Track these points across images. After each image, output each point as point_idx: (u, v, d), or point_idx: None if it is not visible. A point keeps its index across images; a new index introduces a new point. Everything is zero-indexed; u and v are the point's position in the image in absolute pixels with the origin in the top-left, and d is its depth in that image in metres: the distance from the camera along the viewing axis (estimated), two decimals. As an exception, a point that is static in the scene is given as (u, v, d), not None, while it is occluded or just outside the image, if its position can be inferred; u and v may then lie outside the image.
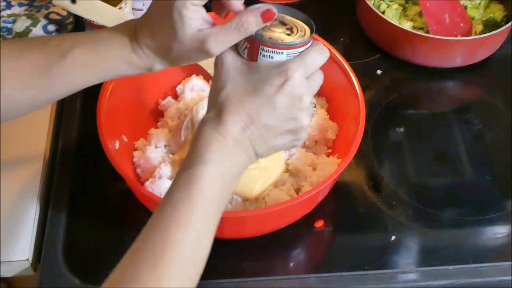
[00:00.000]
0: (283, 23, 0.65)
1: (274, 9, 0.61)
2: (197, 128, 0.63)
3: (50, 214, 0.86)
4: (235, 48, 0.63)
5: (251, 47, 0.62)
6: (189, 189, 0.58)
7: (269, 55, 0.62)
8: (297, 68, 0.61)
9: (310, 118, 0.65)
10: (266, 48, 0.61)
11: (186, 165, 0.60)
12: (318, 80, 0.65)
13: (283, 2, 1.17)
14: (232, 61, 0.62)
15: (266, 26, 0.62)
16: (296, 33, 0.64)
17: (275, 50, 0.61)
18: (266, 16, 0.60)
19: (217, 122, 0.61)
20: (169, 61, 0.64)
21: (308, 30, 0.64)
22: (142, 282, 0.53)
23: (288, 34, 0.63)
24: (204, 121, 0.63)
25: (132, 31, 0.63)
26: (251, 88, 0.61)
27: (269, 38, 0.62)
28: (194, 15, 0.59)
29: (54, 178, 0.90)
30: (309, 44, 0.64)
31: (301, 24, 0.65)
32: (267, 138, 0.62)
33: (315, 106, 0.69)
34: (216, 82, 0.63)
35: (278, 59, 0.62)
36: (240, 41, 0.62)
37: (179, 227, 0.56)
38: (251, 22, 0.60)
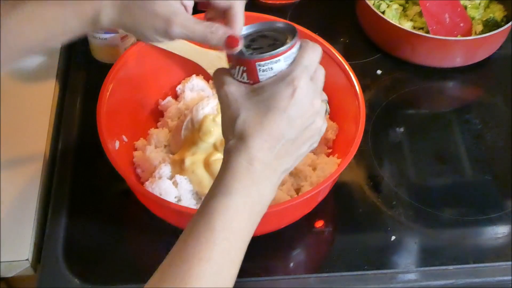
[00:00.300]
0: (264, 37, 0.65)
1: (241, 42, 0.61)
2: (222, 160, 0.62)
3: (50, 214, 0.86)
4: (233, 77, 0.63)
5: (248, 69, 0.62)
6: (212, 221, 0.57)
7: (269, 68, 0.61)
8: (300, 74, 0.61)
9: (325, 117, 0.65)
10: (263, 63, 0.61)
11: (212, 195, 0.59)
12: (321, 77, 0.65)
13: (284, 2, 1.17)
14: (236, 90, 0.62)
15: (250, 46, 0.63)
16: (282, 40, 0.64)
17: (272, 60, 0.61)
18: (229, 41, 0.60)
19: (243, 149, 0.59)
20: (119, 10, 0.60)
21: (290, 34, 0.64)
22: None
23: (274, 44, 0.63)
24: (227, 151, 0.61)
25: None
26: (265, 108, 0.60)
27: (260, 53, 0.62)
28: None
29: (54, 178, 0.90)
30: (299, 42, 0.63)
31: (280, 32, 0.65)
32: (292, 151, 0.62)
33: (327, 102, 0.69)
34: (226, 112, 0.62)
35: (278, 68, 0.62)
36: (235, 69, 0.63)
37: (201, 261, 0.56)
38: (217, 35, 0.60)
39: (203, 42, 0.62)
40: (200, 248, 0.56)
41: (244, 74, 0.62)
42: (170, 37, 0.61)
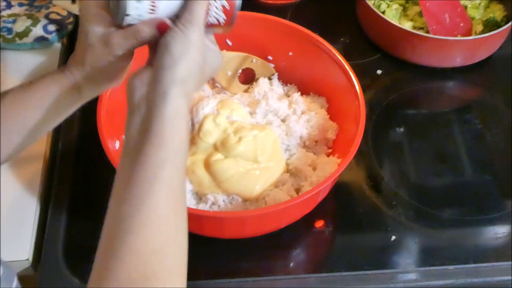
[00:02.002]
0: None
1: (168, 21, 0.61)
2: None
3: (50, 214, 0.86)
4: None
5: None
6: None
7: None
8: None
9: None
10: None
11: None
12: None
13: (284, 2, 1.17)
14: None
15: None
16: None
17: None
18: (160, 27, 0.62)
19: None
20: (89, 76, 0.65)
21: None
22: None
23: None
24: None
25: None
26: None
27: None
28: (97, 20, 0.62)
29: (54, 178, 0.90)
30: None
31: None
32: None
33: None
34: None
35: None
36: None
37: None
38: (146, 31, 0.62)
39: (141, 40, 0.62)
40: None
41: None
42: (116, 53, 0.63)
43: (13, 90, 0.66)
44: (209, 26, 0.65)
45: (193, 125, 0.87)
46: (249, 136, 0.84)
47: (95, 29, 0.63)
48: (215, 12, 0.66)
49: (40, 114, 0.66)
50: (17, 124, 0.66)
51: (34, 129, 0.67)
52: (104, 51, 0.63)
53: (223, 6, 0.66)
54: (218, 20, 0.66)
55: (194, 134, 0.86)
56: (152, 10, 0.62)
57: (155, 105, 0.57)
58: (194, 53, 0.60)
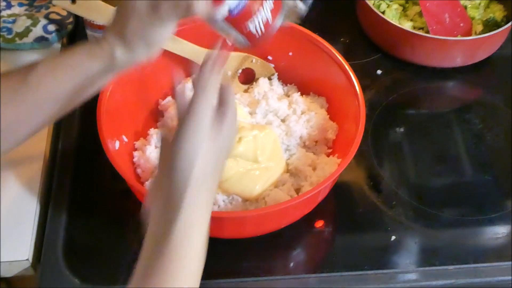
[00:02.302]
0: None
1: None
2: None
3: (50, 214, 0.86)
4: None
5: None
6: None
7: None
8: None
9: None
10: None
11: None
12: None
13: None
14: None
15: None
16: None
17: None
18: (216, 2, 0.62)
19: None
20: (128, 41, 0.64)
21: None
22: None
23: None
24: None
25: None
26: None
27: None
28: None
29: (54, 178, 0.90)
30: None
31: None
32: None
33: None
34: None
35: None
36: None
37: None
38: (201, 5, 0.62)
39: (192, 14, 0.62)
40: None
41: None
42: (162, 20, 0.63)
43: (44, 60, 0.65)
44: (246, 35, 0.66)
45: (193, 125, 0.87)
46: (249, 136, 0.84)
47: None
48: (258, 23, 0.66)
49: (72, 85, 0.65)
50: (48, 95, 0.65)
51: (66, 99, 0.66)
52: (151, 16, 0.62)
53: (266, 20, 0.66)
54: (256, 32, 0.66)
55: (194, 134, 0.86)
56: None
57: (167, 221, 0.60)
58: (206, 147, 0.60)
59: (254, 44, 0.68)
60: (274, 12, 0.67)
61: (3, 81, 0.64)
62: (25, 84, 0.63)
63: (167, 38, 0.66)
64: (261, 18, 0.65)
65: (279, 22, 0.67)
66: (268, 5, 0.65)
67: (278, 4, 0.67)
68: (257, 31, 0.66)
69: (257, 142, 0.84)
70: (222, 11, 0.63)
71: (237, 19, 0.65)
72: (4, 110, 0.63)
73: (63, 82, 0.65)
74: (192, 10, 0.61)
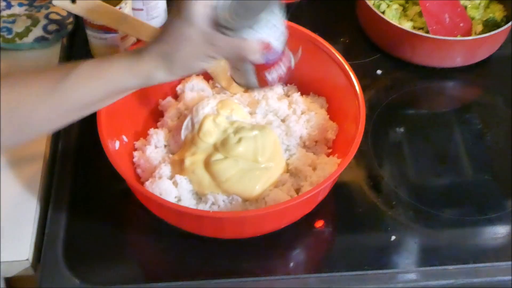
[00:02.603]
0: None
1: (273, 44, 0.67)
2: None
3: (50, 214, 0.86)
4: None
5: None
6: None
7: None
8: None
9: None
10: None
11: None
12: None
13: (284, 2, 1.17)
14: None
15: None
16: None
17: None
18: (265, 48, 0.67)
19: None
20: (172, 65, 0.65)
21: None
22: None
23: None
24: None
25: (136, 48, 0.67)
26: None
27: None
28: (205, 17, 0.63)
29: (54, 178, 0.90)
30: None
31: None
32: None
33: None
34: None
35: None
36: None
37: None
38: (254, 49, 0.66)
39: (240, 58, 0.66)
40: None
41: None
42: (213, 56, 0.66)
43: (82, 68, 0.65)
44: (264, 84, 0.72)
45: (193, 125, 0.87)
46: (249, 137, 0.84)
47: (201, 26, 0.63)
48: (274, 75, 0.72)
49: (103, 95, 0.67)
50: (78, 102, 0.66)
51: (92, 107, 0.68)
52: (204, 49, 0.64)
53: (279, 76, 0.72)
54: (270, 81, 0.72)
55: (194, 134, 0.86)
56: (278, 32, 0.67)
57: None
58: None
59: (260, 89, 0.75)
60: (289, 68, 0.73)
61: (36, 80, 0.65)
62: (58, 88, 0.64)
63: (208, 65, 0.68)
64: (281, 71, 0.71)
65: (287, 77, 0.74)
66: (288, 61, 0.72)
67: (290, 61, 0.73)
68: (271, 80, 0.72)
69: (257, 142, 0.84)
70: (266, 57, 0.68)
71: (264, 66, 0.70)
72: (32, 111, 0.64)
73: (96, 93, 0.66)
74: (245, 54, 0.65)
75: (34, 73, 0.67)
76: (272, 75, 0.71)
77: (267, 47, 0.66)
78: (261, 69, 0.71)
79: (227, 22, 0.63)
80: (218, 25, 0.64)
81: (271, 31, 0.66)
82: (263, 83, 0.73)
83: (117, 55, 0.67)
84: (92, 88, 0.66)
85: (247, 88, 0.75)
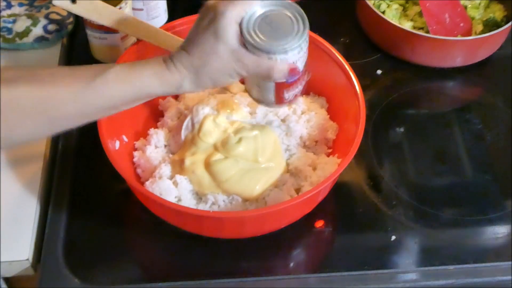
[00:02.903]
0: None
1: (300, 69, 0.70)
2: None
3: (50, 214, 0.86)
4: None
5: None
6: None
7: None
8: None
9: None
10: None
11: None
12: None
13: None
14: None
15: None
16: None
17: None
18: (291, 72, 0.69)
19: None
20: (200, 77, 0.68)
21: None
22: None
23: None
24: None
25: (166, 56, 0.69)
26: None
27: None
28: (234, 30, 0.66)
29: (54, 178, 0.90)
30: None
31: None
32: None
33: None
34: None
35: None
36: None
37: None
38: (281, 72, 0.69)
39: (266, 78, 0.69)
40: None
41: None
42: (241, 76, 0.69)
43: (115, 71, 0.67)
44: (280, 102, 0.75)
45: (193, 125, 0.87)
46: (249, 137, 0.84)
47: (231, 43, 0.66)
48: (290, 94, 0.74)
49: (131, 100, 0.69)
50: (106, 103, 0.68)
51: (117, 110, 0.70)
52: (231, 65, 0.67)
53: (295, 94, 0.75)
54: (286, 99, 0.75)
55: (194, 134, 0.86)
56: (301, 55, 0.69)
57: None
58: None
59: (275, 106, 0.77)
60: (304, 86, 0.75)
61: (69, 78, 0.66)
62: (92, 87, 0.66)
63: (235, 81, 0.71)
64: (297, 90, 0.74)
65: (300, 94, 0.76)
66: (304, 80, 0.74)
67: (306, 79, 0.75)
68: (287, 98, 0.75)
69: (257, 142, 0.84)
70: (291, 78, 0.70)
71: (285, 85, 0.72)
72: (62, 107, 0.66)
73: (126, 95, 0.68)
74: (271, 74, 0.68)
75: (64, 70, 0.69)
76: (289, 93, 0.74)
77: (294, 70, 0.69)
78: (280, 88, 0.73)
79: (256, 42, 0.66)
80: (249, 45, 0.66)
81: (300, 55, 0.69)
82: (279, 101, 0.75)
83: (148, 61, 0.68)
84: (122, 91, 0.67)
85: (262, 104, 0.77)
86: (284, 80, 0.70)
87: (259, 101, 0.77)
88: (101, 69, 0.67)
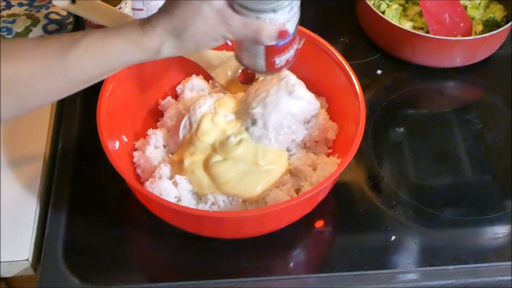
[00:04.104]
0: None
1: (290, 31, 0.67)
2: None
3: (50, 214, 0.86)
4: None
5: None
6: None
7: None
8: None
9: None
10: None
11: None
12: None
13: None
14: None
15: None
16: None
17: None
18: (281, 35, 0.66)
19: None
20: (182, 41, 0.64)
21: None
22: None
23: None
24: None
25: (144, 19, 0.65)
26: None
27: None
28: None
29: (54, 178, 0.90)
30: None
31: None
32: None
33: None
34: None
35: None
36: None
37: None
38: (269, 33, 0.65)
39: (254, 41, 0.65)
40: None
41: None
42: (226, 40, 0.65)
43: (87, 39, 0.64)
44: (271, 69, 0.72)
45: (190, 124, 0.86)
46: (249, 139, 0.84)
47: (217, 4, 0.62)
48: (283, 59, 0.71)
49: (108, 69, 0.66)
50: (82, 75, 0.65)
51: (95, 79, 0.66)
52: (217, 27, 0.63)
53: (287, 60, 0.72)
54: (277, 65, 0.72)
55: (192, 134, 0.85)
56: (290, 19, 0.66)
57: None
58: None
59: (267, 73, 0.73)
60: (296, 52, 0.73)
61: (39, 53, 0.63)
62: (63, 61, 0.63)
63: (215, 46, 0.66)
64: (289, 55, 0.71)
65: (293, 61, 0.73)
66: (296, 44, 0.71)
67: (298, 44, 0.73)
68: (279, 64, 0.71)
69: (258, 146, 0.84)
70: (279, 42, 0.67)
71: (276, 50, 0.69)
72: (35, 84, 0.63)
73: (102, 65, 0.65)
74: (259, 36, 0.64)
75: (35, 43, 0.65)
76: (281, 58, 0.71)
77: (284, 32, 0.65)
78: (271, 52, 0.70)
79: (246, 1, 0.62)
80: (236, 4, 0.62)
81: (290, 15, 0.65)
82: (271, 67, 0.72)
83: (123, 27, 0.65)
84: (98, 61, 0.64)
85: (253, 71, 0.74)
86: (274, 44, 0.67)
87: (249, 68, 0.74)
88: (71, 40, 0.63)
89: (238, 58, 0.74)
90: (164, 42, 0.64)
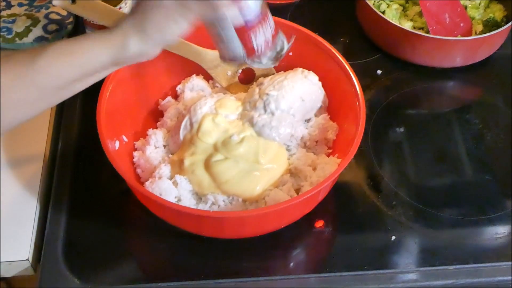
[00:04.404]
0: None
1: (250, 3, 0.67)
2: None
3: (50, 214, 0.86)
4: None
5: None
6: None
7: None
8: None
9: None
10: None
11: None
12: None
13: (284, 2, 1.17)
14: None
15: None
16: None
17: None
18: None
19: None
20: (146, 32, 0.65)
21: None
22: None
23: None
24: None
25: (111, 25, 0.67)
26: None
27: None
28: None
29: (54, 178, 0.90)
30: None
31: None
32: None
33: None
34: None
35: None
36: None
37: None
38: (228, 9, 0.66)
39: (214, 16, 0.66)
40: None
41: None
42: (188, 21, 0.65)
43: (54, 45, 0.64)
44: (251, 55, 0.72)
45: (191, 124, 0.87)
46: (251, 137, 0.84)
47: None
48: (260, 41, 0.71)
49: (78, 72, 0.66)
50: (53, 81, 0.65)
51: (68, 87, 0.66)
52: (176, 11, 0.64)
53: (266, 41, 0.72)
54: (256, 48, 0.72)
55: (193, 134, 0.85)
56: None
57: None
58: None
59: (250, 60, 0.73)
60: (274, 37, 0.72)
61: (8, 63, 0.63)
62: (32, 68, 0.63)
63: (181, 35, 0.66)
64: (265, 37, 0.71)
65: (279, 55, 0.74)
66: (270, 27, 0.71)
67: (276, 32, 0.73)
68: (256, 46, 0.71)
69: (259, 143, 0.84)
70: (244, 17, 0.67)
71: (246, 28, 0.69)
72: (6, 93, 0.62)
73: (71, 69, 0.65)
74: (216, 6, 0.64)
75: (6, 54, 0.65)
76: (257, 39, 0.70)
77: (243, 5, 0.66)
78: (243, 34, 0.70)
79: None
80: None
81: None
82: (250, 52, 0.72)
83: (91, 32, 0.67)
84: (68, 63, 0.64)
85: (236, 60, 0.73)
86: (241, 21, 0.67)
87: (231, 59, 0.73)
88: (41, 48, 0.64)
89: (220, 56, 0.75)
90: (128, 36, 0.65)
